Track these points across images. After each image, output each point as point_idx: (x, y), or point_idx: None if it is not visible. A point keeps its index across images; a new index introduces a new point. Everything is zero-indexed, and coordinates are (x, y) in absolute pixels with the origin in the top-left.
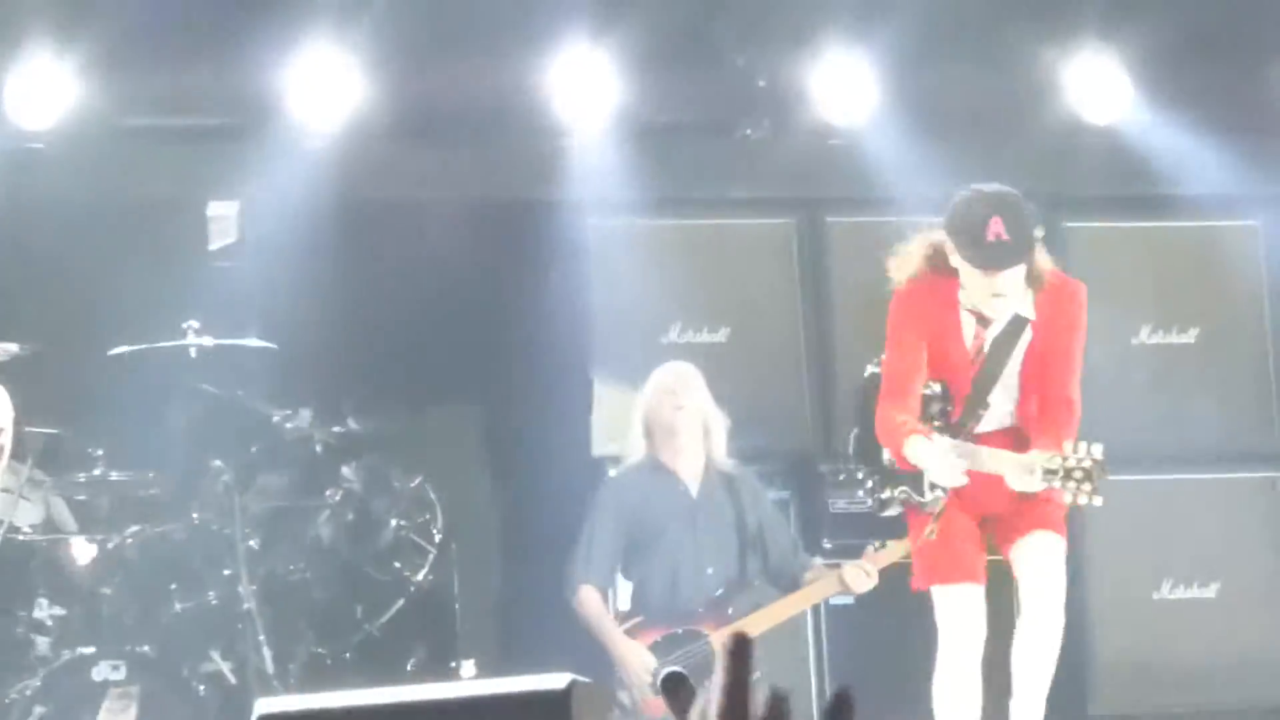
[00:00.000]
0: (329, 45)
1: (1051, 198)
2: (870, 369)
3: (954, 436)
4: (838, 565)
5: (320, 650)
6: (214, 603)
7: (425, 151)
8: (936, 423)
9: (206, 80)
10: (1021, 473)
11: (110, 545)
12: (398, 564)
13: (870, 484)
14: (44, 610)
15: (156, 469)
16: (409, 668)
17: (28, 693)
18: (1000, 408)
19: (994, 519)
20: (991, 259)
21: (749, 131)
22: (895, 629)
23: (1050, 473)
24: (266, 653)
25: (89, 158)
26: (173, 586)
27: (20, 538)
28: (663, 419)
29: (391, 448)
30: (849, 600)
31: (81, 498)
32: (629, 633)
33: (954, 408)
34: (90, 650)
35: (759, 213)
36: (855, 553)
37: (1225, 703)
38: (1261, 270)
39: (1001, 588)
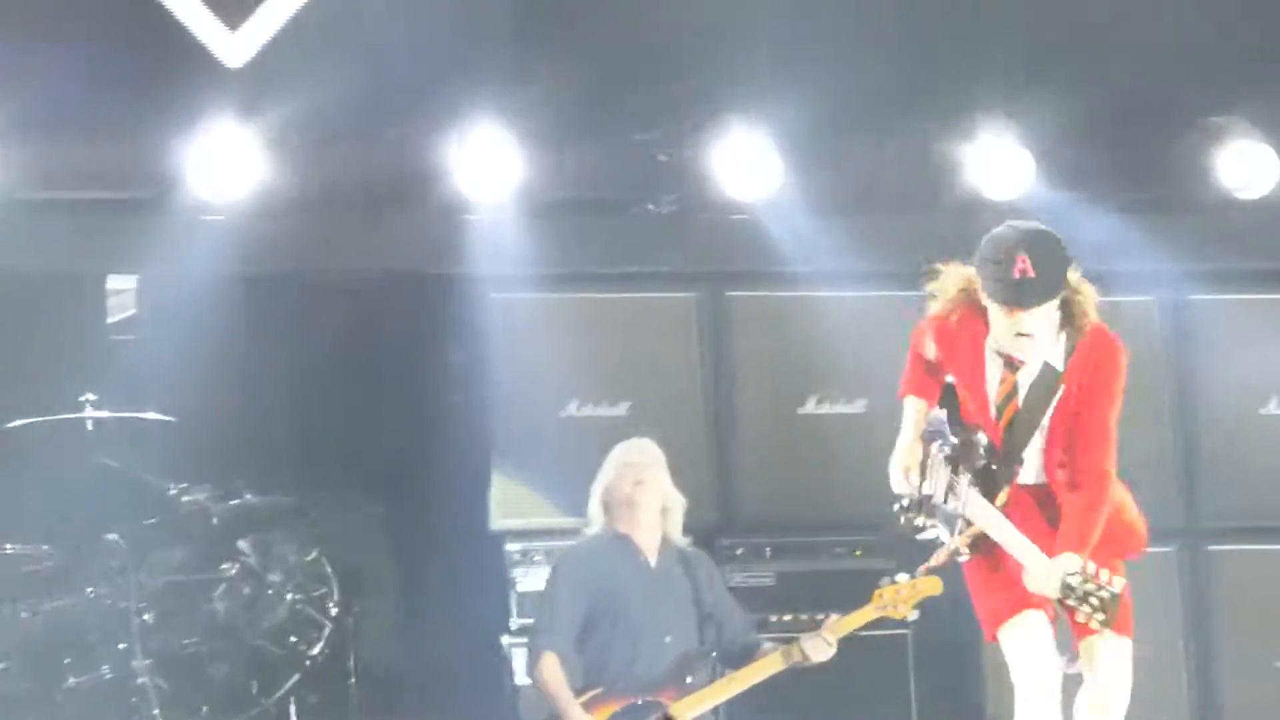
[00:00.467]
0: (230, 121)
1: None
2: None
3: (993, 490)
4: (794, 639)
5: None
6: (108, 677)
7: (326, 227)
8: (978, 471)
9: (106, 154)
10: (1042, 577)
11: (2, 619)
12: (293, 638)
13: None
14: None
15: (51, 542)
16: None
17: None
18: (1031, 462)
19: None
20: (1014, 296)
21: (651, 206)
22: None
23: (1069, 589)
24: None
25: None
26: (66, 661)
27: None
28: (622, 492)
29: (288, 522)
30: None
31: None
32: (587, 705)
33: (995, 462)
34: None
35: (661, 287)
36: (760, 627)
37: None
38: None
39: None
